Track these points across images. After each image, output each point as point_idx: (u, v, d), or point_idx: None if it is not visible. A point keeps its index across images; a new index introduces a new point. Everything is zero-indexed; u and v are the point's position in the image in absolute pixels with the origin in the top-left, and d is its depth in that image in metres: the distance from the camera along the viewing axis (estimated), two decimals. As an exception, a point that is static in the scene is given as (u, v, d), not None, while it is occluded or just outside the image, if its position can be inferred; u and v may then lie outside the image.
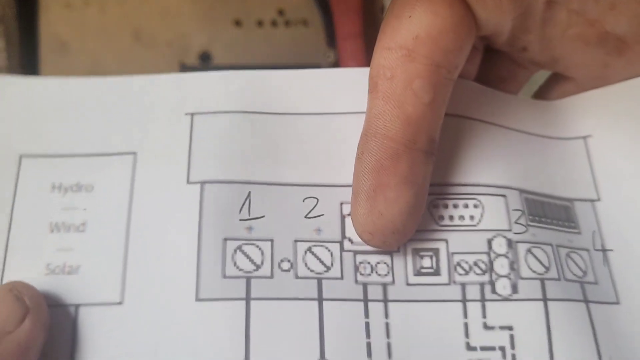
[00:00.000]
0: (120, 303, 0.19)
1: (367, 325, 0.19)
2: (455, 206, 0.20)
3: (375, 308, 0.19)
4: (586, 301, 0.20)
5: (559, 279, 0.20)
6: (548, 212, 0.21)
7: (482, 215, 0.20)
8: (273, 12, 0.36)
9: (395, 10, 0.19)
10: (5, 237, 0.19)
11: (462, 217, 0.20)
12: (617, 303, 0.20)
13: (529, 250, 0.20)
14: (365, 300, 0.19)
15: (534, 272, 0.20)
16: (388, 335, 0.19)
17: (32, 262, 0.19)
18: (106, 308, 0.19)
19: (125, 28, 0.35)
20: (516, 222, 0.21)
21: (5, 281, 0.19)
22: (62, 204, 0.20)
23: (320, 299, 0.19)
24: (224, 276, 0.19)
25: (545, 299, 0.20)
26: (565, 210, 0.21)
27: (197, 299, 0.19)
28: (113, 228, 0.19)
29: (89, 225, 0.19)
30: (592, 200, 0.22)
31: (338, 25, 0.35)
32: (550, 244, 0.20)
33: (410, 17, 0.18)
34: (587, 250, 0.21)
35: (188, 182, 0.20)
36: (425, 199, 0.19)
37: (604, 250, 0.21)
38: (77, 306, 0.19)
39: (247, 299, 0.19)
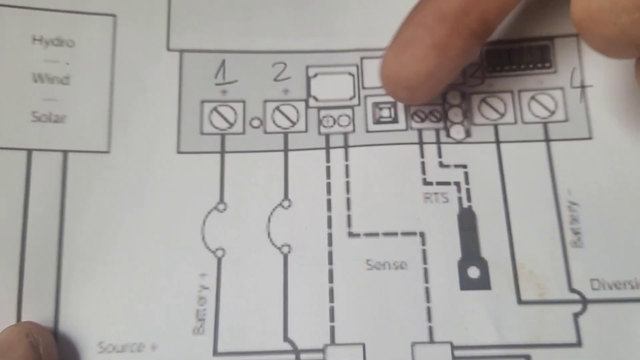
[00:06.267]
0: (107, 152, 0.21)
1: (328, 168, 0.21)
2: None
3: (336, 154, 0.21)
4: (547, 140, 0.21)
5: (515, 123, 0.21)
6: (515, 58, 0.22)
7: None
8: None
9: None
10: None
11: (418, 73, 0.22)
12: (590, 138, 0.21)
13: (483, 100, 0.22)
14: (327, 148, 0.21)
15: (487, 118, 0.21)
16: (347, 175, 0.21)
17: (18, 109, 0.21)
18: (94, 156, 0.21)
19: None
20: (471, 76, 0.22)
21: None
22: (44, 56, 0.22)
23: (285, 150, 0.21)
24: (202, 133, 0.22)
25: (497, 142, 0.21)
26: (540, 51, 0.22)
27: (178, 152, 0.21)
28: (97, 83, 0.22)
29: (72, 79, 0.22)
30: (577, 35, 0.22)
31: None
32: (511, 91, 0.22)
33: None
34: (561, 88, 0.22)
35: (168, 49, 0.22)
36: (450, 75, 0.20)
37: (582, 87, 0.22)
38: (65, 152, 0.21)
39: (222, 152, 0.21)
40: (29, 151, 0.21)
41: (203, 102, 0.22)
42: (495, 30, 0.20)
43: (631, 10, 0.15)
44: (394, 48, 0.20)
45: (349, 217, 0.20)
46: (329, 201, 0.21)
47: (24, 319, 0.20)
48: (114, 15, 0.22)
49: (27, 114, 0.21)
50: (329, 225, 0.20)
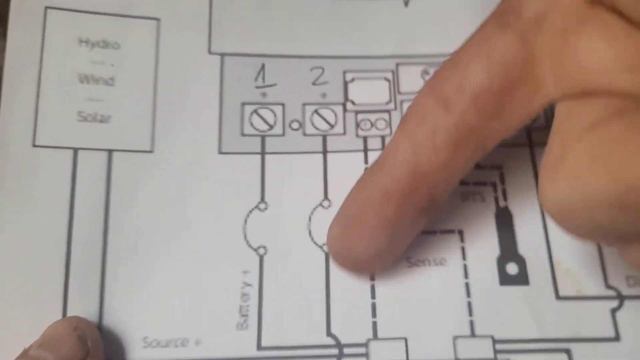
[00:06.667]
0: (151, 152, 0.22)
1: (366, 170, 0.22)
2: None
3: (375, 156, 0.21)
4: None
5: (546, 127, 0.22)
6: None
7: None
8: None
9: (453, 58, 0.17)
10: (36, 85, 0.21)
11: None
12: None
13: None
14: (365, 150, 0.22)
15: None
16: None
17: (65, 109, 0.21)
18: (138, 155, 0.21)
19: None
20: None
21: (39, 126, 0.21)
22: (90, 57, 0.22)
23: (324, 152, 0.22)
24: (242, 134, 0.22)
25: (530, 145, 0.22)
26: None
27: (220, 152, 0.22)
28: (141, 84, 0.22)
29: (117, 80, 0.22)
30: None
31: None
32: None
33: (464, 67, 0.17)
34: None
35: (210, 52, 0.23)
36: (401, 247, 0.20)
37: None
38: (110, 151, 0.21)
39: (262, 152, 0.22)
40: (75, 150, 0.21)
41: (243, 104, 0.22)
42: (443, 204, 0.19)
43: (604, 208, 0.13)
44: (341, 224, 0.19)
45: None
46: None
47: (69, 314, 0.20)
48: (157, 19, 0.23)
49: (73, 113, 0.22)
50: None
